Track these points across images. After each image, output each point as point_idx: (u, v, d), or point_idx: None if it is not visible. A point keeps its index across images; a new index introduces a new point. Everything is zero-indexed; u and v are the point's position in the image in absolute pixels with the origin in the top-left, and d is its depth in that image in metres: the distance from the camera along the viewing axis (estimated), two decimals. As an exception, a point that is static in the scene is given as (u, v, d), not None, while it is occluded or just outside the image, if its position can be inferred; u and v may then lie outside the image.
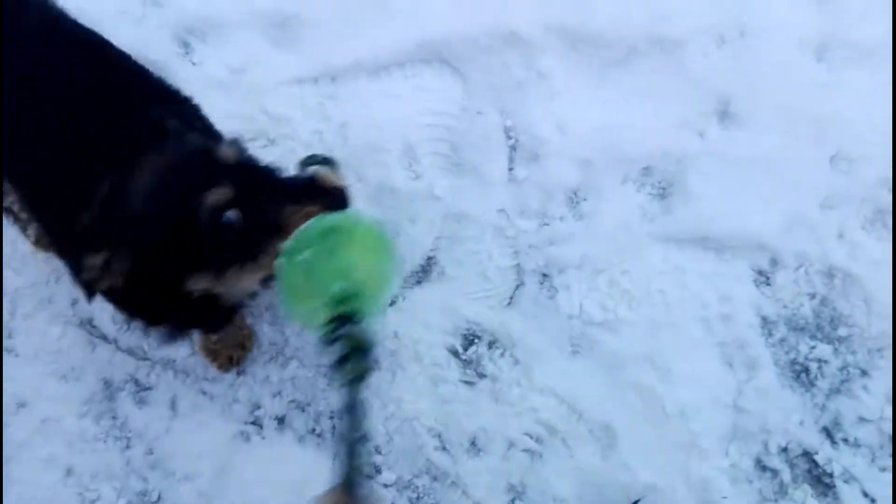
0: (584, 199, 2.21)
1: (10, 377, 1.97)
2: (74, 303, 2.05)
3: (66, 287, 2.04)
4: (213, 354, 1.91)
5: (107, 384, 1.99)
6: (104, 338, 2.04)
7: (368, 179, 2.19)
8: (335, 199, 1.21)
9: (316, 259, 1.13)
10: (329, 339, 1.10)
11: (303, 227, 1.15)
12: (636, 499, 2.00)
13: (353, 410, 1.06)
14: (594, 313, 2.12)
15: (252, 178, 1.23)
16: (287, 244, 1.15)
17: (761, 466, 2.05)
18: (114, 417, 1.97)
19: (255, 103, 2.23)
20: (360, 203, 2.11)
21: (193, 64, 2.19)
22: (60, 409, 1.95)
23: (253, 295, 1.34)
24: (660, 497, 2.00)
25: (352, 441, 1.04)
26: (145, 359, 2.03)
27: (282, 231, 1.16)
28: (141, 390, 2.00)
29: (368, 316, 1.13)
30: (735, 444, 2.06)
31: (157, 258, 1.18)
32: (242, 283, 1.25)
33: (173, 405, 1.99)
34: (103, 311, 2.03)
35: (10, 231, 1.96)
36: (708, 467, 2.03)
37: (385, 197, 2.18)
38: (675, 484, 2.00)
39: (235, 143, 1.27)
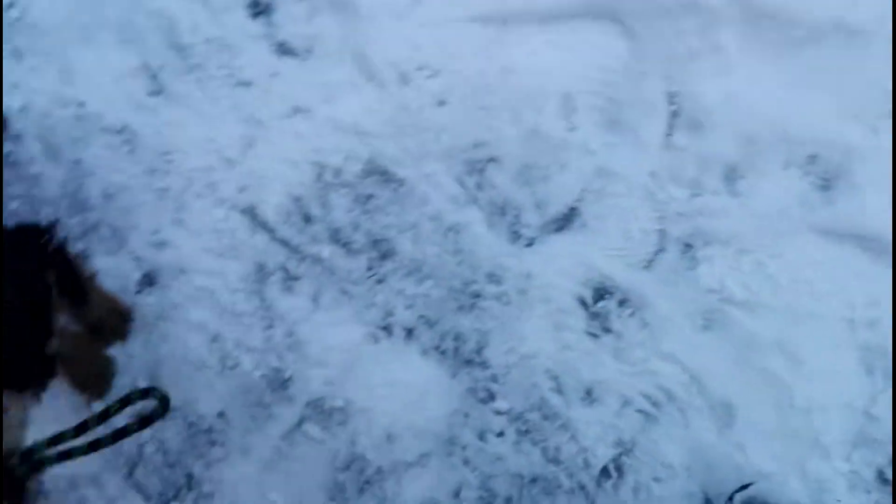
0: (742, 177, 2.26)
1: (176, 246, 2.26)
2: (241, 190, 2.32)
3: (234, 175, 2.33)
4: None
5: (259, 268, 2.24)
6: (264, 226, 2.29)
7: (523, 124, 2.33)
8: None
9: None
10: None
11: None
12: (747, 482, 2.05)
13: None
14: (735, 291, 2.17)
15: None
16: None
17: (883, 479, 2.05)
18: (262, 299, 2.21)
19: (427, 34, 2.42)
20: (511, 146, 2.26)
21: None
22: (215, 282, 2.22)
23: None
24: (771, 486, 2.04)
25: None
26: (297, 252, 2.26)
27: None
28: (289, 279, 2.24)
29: None
30: (859, 451, 2.06)
31: None
32: None
33: (316, 298, 2.21)
34: (266, 203, 2.29)
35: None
36: (827, 468, 2.05)
37: (537, 142, 2.32)
38: (790, 476, 2.03)
39: None
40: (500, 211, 2.27)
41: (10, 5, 2.49)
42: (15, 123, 2.36)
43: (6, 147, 2.30)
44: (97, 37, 2.45)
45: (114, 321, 2.10)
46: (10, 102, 2.36)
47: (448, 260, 2.23)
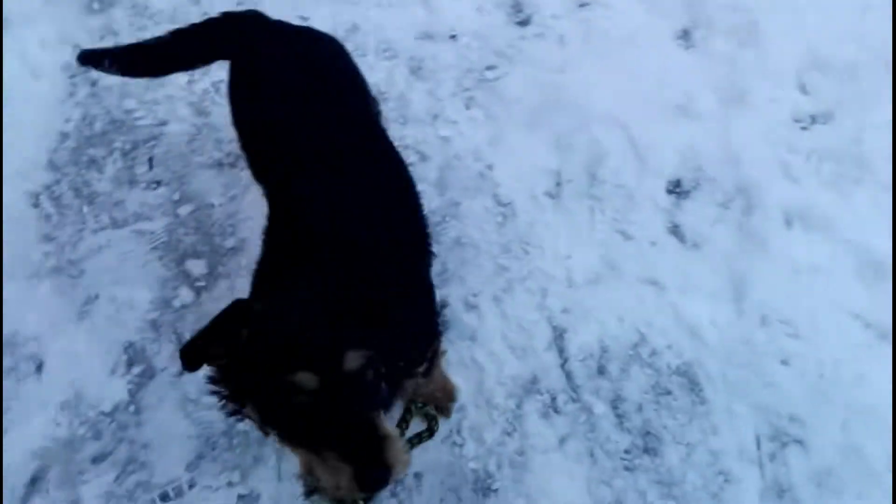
0: None
1: (480, 314, 2.50)
2: (565, 311, 2.51)
3: (567, 294, 2.53)
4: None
5: (533, 380, 2.38)
6: (560, 349, 2.45)
7: None
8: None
9: None
10: None
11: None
12: None
13: None
14: None
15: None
16: None
17: None
18: (518, 405, 2.34)
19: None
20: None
21: None
22: (490, 367, 2.39)
23: None
24: None
25: None
26: (574, 391, 2.37)
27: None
28: (551, 408, 2.33)
29: None
30: None
31: None
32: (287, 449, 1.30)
33: (563, 440, 2.29)
34: (576, 334, 2.44)
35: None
36: None
37: None
38: None
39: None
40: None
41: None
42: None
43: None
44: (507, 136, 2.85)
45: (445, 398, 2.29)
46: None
47: (703, 497, 2.17)
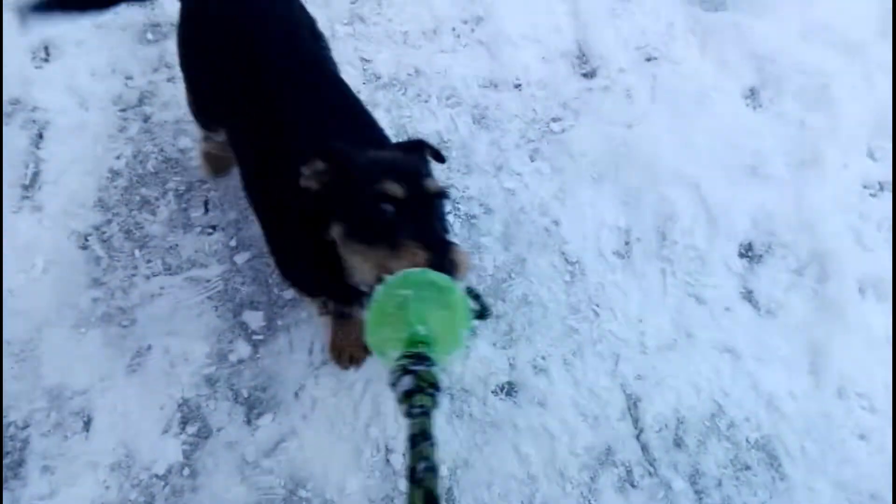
0: None
1: (549, 379, 2.46)
2: (638, 377, 2.47)
3: (640, 360, 2.50)
4: (337, 352, 2.36)
5: (608, 451, 2.34)
6: (635, 420, 2.41)
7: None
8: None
9: (411, 300, 1.32)
10: (403, 370, 1.26)
11: (411, 270, 1.35)
12: None
13: (418, 442, 1.16)
14: None
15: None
16: (392, 277, 1.35)
17: None
18: (592, 478, 2.30)
19: None
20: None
21: None
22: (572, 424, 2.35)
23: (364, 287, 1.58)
24: None
25: (422, 470, 1.13)
26: (651, 465, 2.34)
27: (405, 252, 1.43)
28: (627, 482, 2.30)
29: (437, 363, 1.29)
30: None
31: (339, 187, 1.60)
32: (360, 259, 1.54)
33: None
34: (652, 404, 2.41)
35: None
36: None
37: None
38: None
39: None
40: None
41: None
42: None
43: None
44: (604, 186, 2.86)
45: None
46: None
47: None
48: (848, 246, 2.68)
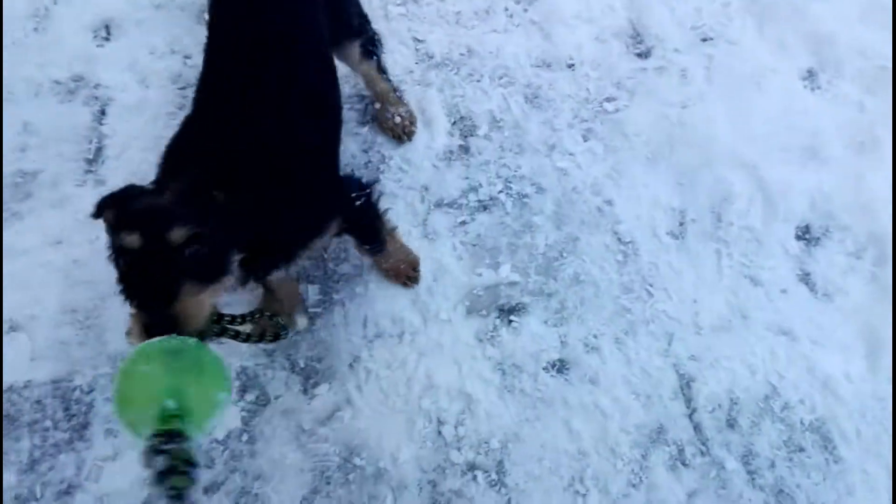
0: None
1: (600, 354, 2.49)
2: (692, 357, 2.50)
3: (693, 340, 2.52)
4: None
5: (660, 430, 2.37)
6: (688, 400, 2.44)
7: None
8: None
9: (155, 373, 1.28)
10: (154, 451, 1.20)
11: (151, 341, 1.31)
12: None
13: None
14: None
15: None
16: (131, 353, 1.31)
17: None
18: (643, 456, 2.33)
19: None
20: None
21: None
22: (606, 406, 2.39)
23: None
24: None
25: None
26: (704, 444, 2.37)
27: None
28: (679, 460, 2.33)
29: (192, 437, 1.24)
30: None
31: None
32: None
33: (691, 495, 2.27)
34: (706, 383, 2.44)
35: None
36: None
37: None
38: None
39: None
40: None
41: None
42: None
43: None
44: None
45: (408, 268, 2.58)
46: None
47: None
48: (907, 230, 2.65)
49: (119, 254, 1.46)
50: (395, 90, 2.70)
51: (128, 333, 1.45)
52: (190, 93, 2.69)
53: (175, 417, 1.25)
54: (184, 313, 1.37)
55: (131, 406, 1.29)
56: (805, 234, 2.70)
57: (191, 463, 1.22)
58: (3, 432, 2.30)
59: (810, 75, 3.00)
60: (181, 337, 1.34)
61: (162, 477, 1.20)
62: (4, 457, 2.27)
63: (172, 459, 1.20)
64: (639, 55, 3.02)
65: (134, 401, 1.29)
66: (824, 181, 2.75)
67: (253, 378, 2.41)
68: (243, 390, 2.40)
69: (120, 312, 2.40)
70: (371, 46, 2.51)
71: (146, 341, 1.32)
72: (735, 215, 2.70)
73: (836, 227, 2.69)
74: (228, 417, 2.37)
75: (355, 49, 2.44)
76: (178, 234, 1.45)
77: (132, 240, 1.42)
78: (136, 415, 1.28)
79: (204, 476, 2.27)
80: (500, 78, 2.95)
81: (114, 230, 1.48)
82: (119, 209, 1.51)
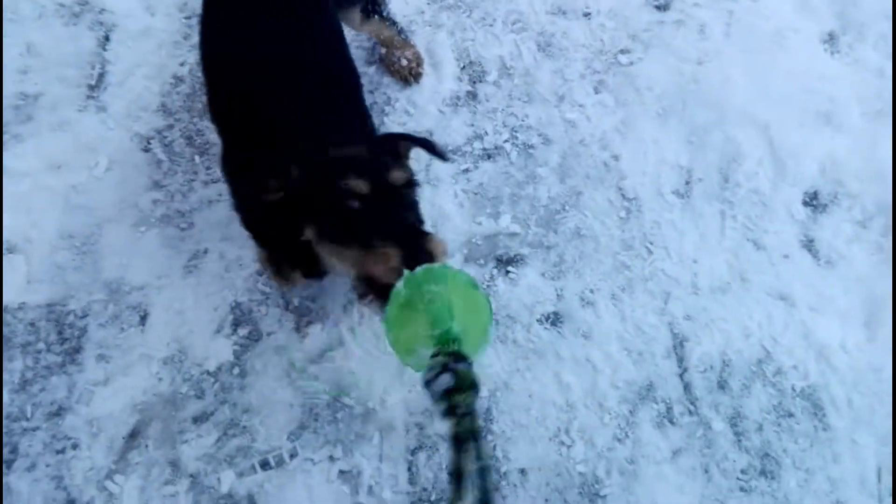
0: None
1: (595, 309, 2.53)
2: (687, 317, 2.54)
3: (688, 301, 2.57)
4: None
5: (649, 387, 2.42)
6: (679, 359, 2.49)
7: None
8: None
9: (439, 296, 1.31)
10: (439, 369, 1.25)
11: (433, 266, 1.36)
12: None
13: (465, 442, 1.17)
14: None
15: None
16: (416, 272, 1.34)
17: None
18: (631, 412, 2.39)
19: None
20: None
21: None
22: (601, 366, 2.45)
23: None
24: None
25: (477, 471, 1.15)
26: (693, 404, 2.42)
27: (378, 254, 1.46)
28: (666, 418, 2.39)
29: (473, 363, 1.27)
30: None
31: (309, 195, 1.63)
32: (336, 260, 1.62)
33: (676, 453, 2.34)
34: (699, 343, 2.49)
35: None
36: None
37: None
38: None
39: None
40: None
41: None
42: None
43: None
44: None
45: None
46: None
47: None
48: (919, 201, 2.67)
49: (342, 199, 1.54)
50: (400, 32, 2.69)
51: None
52: (196, 22, 2.71)
53: (454, 341, 1.30)
54: (435, 249, 1.44)
55: (412, 322, 1.34)
56: (812, 200, 2.72)
57: (475, 385, 1.25)
58: (-3, 352, 2.37)
59: (831, 38, 2.98)
60: (460, 270, 1.39)
61: (446, 395, 1.24)
62: (-3, 376, 2.34)
63: (458, 379, 1.24)
64: (657, 7, 3.01)
65: (416, 317, 1.33)
66: (837, 147, 2.76)
67: (247, 314, 2.47)
68: (236, 324, 2.46)
69: (116, 239, 2.47)
70: (371, 6, 2.51)
71: (431, 265, 1.37)
72: (743, 177, 2.71)
73: (845, 194, 2.71)
74: (220, 350, 2.41)
75: (356, 14, 2.46)
76: (399, 176, 1.59)
77: (359, 184, 1.53)
78: (418, 331, 1.33)
79: (194, 406, 2.33)
80: (514, 23, 2.95)
81: (319, 185, 1.59)
82: (309, 164, 1.63)
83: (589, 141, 2.78)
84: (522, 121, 2.80)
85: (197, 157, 2.69)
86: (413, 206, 1.64)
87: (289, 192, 1.65)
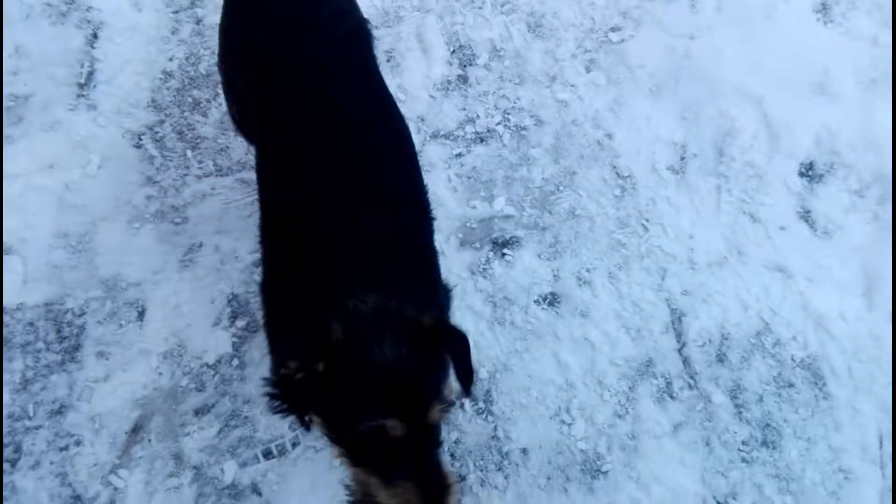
0: None
1: (591, 288, 2.58)
2: (685, 293, 2.58)
3: (687, 276, 2.60)
4: None
5: (648, 363, 2.46)
6: (678, 334, 2.53)
7: None
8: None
9: None
10: None
11: None
12: None
13: None
14: None
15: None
16: None
17: None
18: (630, 388, 2.43)
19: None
20: None
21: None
22: (598, 340, 2.49)
23: None
24: None
25: None
26: (692, 378, 2.46)
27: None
28: (666, 393, 2.43)
29: None
30: None
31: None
32: (347, 468, 1.56)
33: (677, 427, 2.39)
34: (697, 318, 2.52)
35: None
36: None
37: None
38: None
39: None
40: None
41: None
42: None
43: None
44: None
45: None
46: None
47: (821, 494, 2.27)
48: (914, 169, 2.70)
49: (371, 435, 1.45)
50: None
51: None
52: (184, 17, 2.76)
53: None
54: (454, 497, 1.48)
55: None
56: (808, 171, 2.75)
57: None
58: (-3, 352, 2.43)
59: (823, 8, 3.02)
60: None
61: None
62: (-2, 376, 2.40)
63: None
64: (647, -17, 3.03)
65: None
66: (832, 118, 2.80)
67: (244, 305, 2.52)
68: (234, 317, 2.51)
69: (111, 237, 2.53)
70: None
71: None
72: (738, 150, 2.75)
73: (841, 164, 2.74)
74: (219, 342, 2.47)
75: None
76: (437, 416, 1.49)
77: (396, 426, 1.44)
78: None
79: (195, 399, 2.39)
80: (503, 5, 2.99)
81: (349, 406, 1.46)
82: (354, 333, 1.46)
83: (582, 120, 2.82)
84: (514, 103, 2.84)
85: (189, 152, 2.74)
86: (438, 435, 1.56)
87: (309, 383, 1.47)
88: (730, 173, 2.74)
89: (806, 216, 2.69)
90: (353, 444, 1.48)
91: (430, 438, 1.50)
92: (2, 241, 2.54)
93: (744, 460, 2.35)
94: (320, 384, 1.43)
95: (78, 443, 2.35)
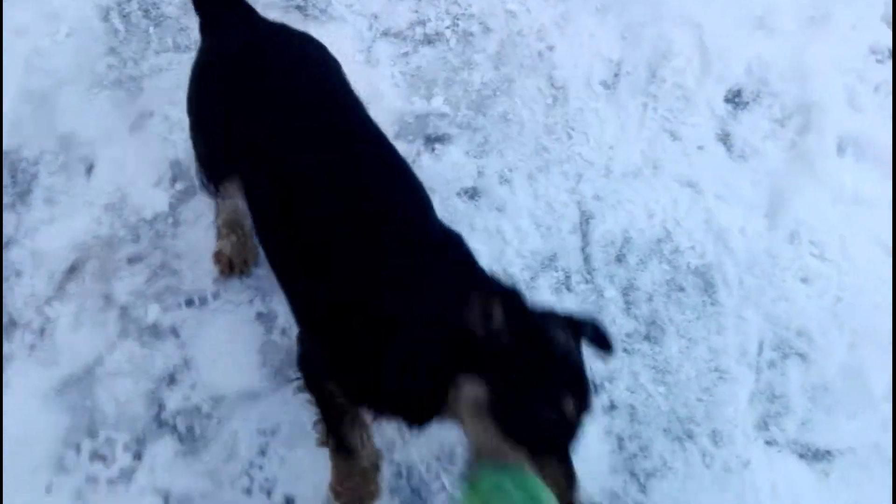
0: None
1: (550, 234, 2.98)
2: (596, 197, 2.97)
3: (599, 183, 3.00)
4: (336, 494, 2.29)
5: (552, 257, 2.87)
6: (584, 233, 2.93)
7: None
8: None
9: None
10: None
11: (530, 478, 1.50)
12: None
13: None
14: None
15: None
16: (513, 474, 1.50)
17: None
18: (529, 280, 2.84)
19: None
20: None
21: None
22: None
23: None
24: None
25: None
26: (589, 273, 2.86)
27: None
28: (563, 286, 2.83)
29: None
30: None
31: None
32: (483, 437, 1.62)
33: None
34: (603, 223, 2.91)
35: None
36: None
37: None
38: None
39: None
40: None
41: None
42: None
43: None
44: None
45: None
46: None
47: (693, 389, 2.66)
48: (838, 104, 3.06)
49: (545, 409, 1.58)
50: None
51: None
52: None
53: None
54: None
55: None
56: (735, 98, 3.12)
57: None
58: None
59: (772, -55, 3.34)
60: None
61: None
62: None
63: None
64: None
65: None
66: (766, 50, 3.15)
67: (185, 171, 2.96)
68: (174, 180, 2.95)
69: (71, 99, 3.05)
70: None
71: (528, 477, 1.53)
72: (670, 72, 3.12)
73: (768, 93, 3.10)
74: (157, 201, 2.92)
75: None
76: (591, 408, 1.67)
77: (573, 414, 1.59)
78: None
79: (129, 248, 2.84)
80: (459, -86, 3.36)
81: (527, 360, 1.60)
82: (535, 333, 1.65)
83: (527, 32, 3.21)
84: (465, 10, 3.25)
85: (151, 28, 3.19)
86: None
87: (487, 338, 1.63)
88: (659, 93, 3.11)
89: (725, 139, 3.06)
90: (513, 414, 1.57)
91: (574, 433, 1.62)
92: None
93: (625, 350, 2.72)
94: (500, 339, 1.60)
95: (18, 274, 2.79)
